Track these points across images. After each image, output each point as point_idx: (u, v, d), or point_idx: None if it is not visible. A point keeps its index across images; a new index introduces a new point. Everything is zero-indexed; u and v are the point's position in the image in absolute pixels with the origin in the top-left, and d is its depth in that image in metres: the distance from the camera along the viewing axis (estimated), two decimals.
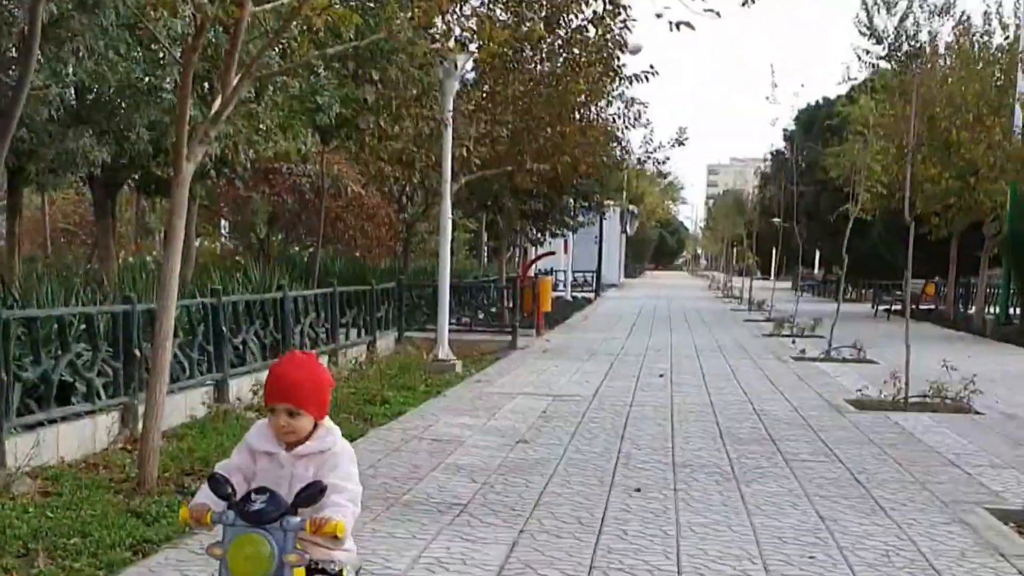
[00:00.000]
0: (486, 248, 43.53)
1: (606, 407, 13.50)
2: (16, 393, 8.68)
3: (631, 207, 70.22)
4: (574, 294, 46.12)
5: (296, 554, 3.65)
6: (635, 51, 23.58)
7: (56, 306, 10.80)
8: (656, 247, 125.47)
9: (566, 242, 42.54)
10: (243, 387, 12.62)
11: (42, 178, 15.50)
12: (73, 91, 12.26)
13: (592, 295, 49.03)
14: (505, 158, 22.32)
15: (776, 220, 40.04)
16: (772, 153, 59.77)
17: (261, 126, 14.44)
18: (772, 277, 48.27)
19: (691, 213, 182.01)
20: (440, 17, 10.67)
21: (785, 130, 61.90)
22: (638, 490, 8.67)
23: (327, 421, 3.94)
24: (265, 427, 3.98)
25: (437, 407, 13.12)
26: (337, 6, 9.93)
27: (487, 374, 17.02)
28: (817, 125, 54.73)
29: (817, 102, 60.59)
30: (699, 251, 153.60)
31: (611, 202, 37.04)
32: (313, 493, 3.65)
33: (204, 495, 3.83)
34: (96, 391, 9.78)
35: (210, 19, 8.28)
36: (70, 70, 11.74)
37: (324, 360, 15.96)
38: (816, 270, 71.03)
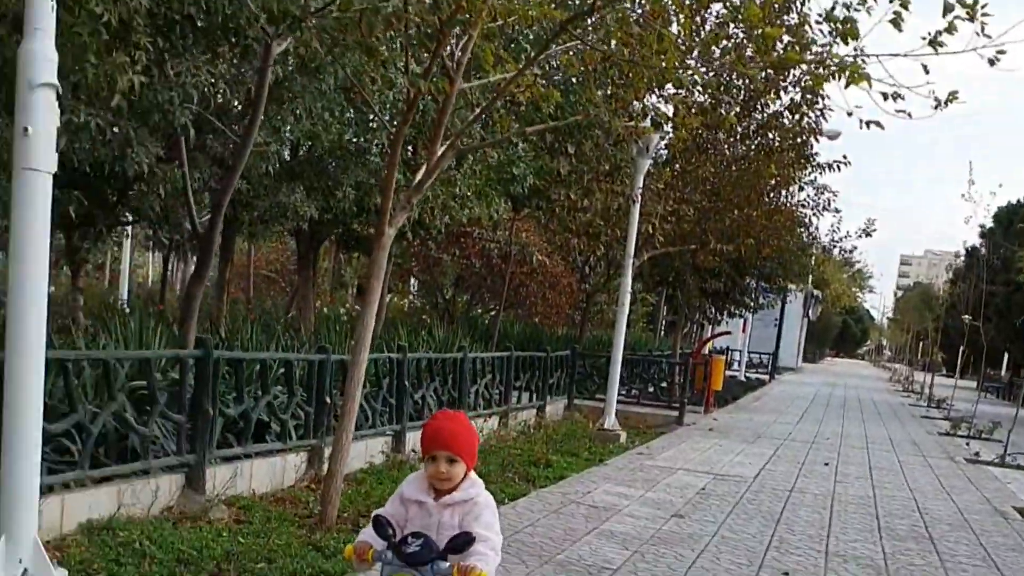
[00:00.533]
0: (663, 322, 43.80)
1: (766, 490, 13.75)
2: (218, 428, 9.59)
3: (815, 292, 69.35)
4: (748, 375, 45.86)
5: None
6: (833, 136, 23.75)
7: (260, 351, 11.77)
8: (839, 334, 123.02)
9: (745, 322, 42.51)
10: (419, 439, 13.30)
11: (254, 228, 16.59)
12: (289, 148, 13.18)
13: (767, 377, 48.62)
14: (690, 236, 22.71)
15: (966, 317, 39.29)
16: (967, 249, 58.38)
17: (458, 192, 15.28)
18: (956, 375, 47.04)
19: (879, 302, 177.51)
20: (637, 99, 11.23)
21: (982, 226, 60.50)
22: (786, 574, 8.99)
23: (472, 474, 4.52)
24: (417, 479, 4.56)
25: (598, 475, 13.61)
26: (541, 83, 10.55)
27: (650, 447, 17.39)
28: (1016, 224, 53.36)
29: (1018, 201, 59.10)
30: (883, 341, 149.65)
31: (793, 286, 36.90)
32: (462, 542, 4.20)
33: (368, 535, 4.43)
34: (288, 432, 10.65)
35: (422, 93, 8.90)
36: (288, 129, 12.72)
37: (495, 421, 16.66)
38: (1003, 371, 68.67)
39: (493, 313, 26.23)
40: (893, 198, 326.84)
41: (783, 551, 9.94)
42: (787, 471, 15.92)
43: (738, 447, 18.58)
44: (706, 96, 21.09)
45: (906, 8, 7.78)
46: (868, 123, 10.49)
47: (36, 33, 5.25)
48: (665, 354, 29.28)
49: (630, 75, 9.30)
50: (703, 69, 10.55)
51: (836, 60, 8.55)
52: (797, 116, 21.41)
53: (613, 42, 8.66)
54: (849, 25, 8.02)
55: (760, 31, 8.52)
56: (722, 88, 21.44)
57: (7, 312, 5.50)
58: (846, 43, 8.28)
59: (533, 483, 12.40)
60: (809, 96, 20.98)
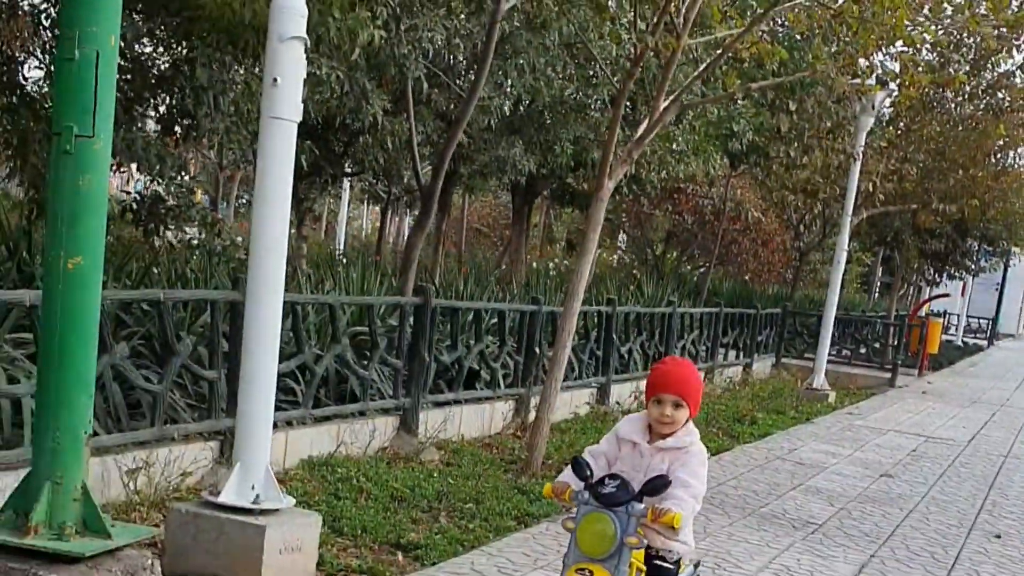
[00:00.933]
0: (878, 283, 42.66)
1: (980, 454, 13.42)
2: (432, 373, 9.99)
3: None
4: (965, 339, 44.25)
5: (635, 537, 4.34)
6: None
7: (475, 301, 12.14)
8: None
9: (964, 285, 41.00)
10: (623, 392, 13.54)
11: (473, 181, 16.97)
12: (510, 103, 13.43)
13: (985, 343, 46.83)
14: (911, 196, 22.14)
15: None
16: None
17: (675, 147, 15.29)
18: None
19: None
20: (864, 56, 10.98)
21: None
22: (998, 536, 8.83)
23: (691, 423, 4.64)
24: (636, 419, 4.71)
25: (804, 433, 13.53)
26: (766, 39, 10.46)
27: (860, 408, 17.14)
28: None
29: None
30: None
31: (1018, 249, 35.38)
32: (658, 485, 4.32)
33: (567, 475, 4.61)
34: (498, 380, 10.99)
35: (649, 48, 8.92)
36: (510, 83, 12.96)
37: (701, 375, 16.68)
38: None
39: (703, 270, 26.11)
40: None
41: (995, 515, 9.77)
42: (1003, 437, 15.48)
43: (952, 411, 18.12)
44: (935, 54, 20.45)
45: None
46: None
47: None
48: (879, 315, 28.59)
49: (858, 32, 9.14)
50: (934, 27, 10.27)
51: None
52: None
53: None
54: None
55: None
56: (952, 46, 20.72)
57: (250, 254, 5.90)
58: None
59: (737, 439, 12.43)
60: None
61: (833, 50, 10.61)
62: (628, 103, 14.27)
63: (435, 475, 8.60)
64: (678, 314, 15.58)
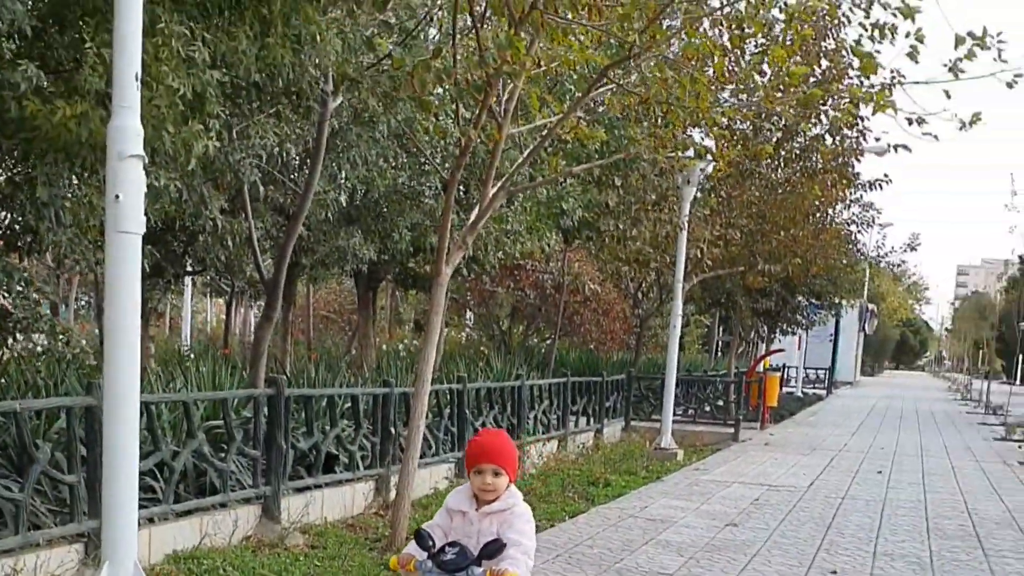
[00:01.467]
0: (719, 343, 44.06)
1: (819, 498, 14.15)
2: (290, 460, 10.22)
3: (870, 306, 69.07)
4: (805, 390, 45.91)
5: None
6: (880, 153, 24.04)
7: (327, 387, 12.41)
8: (897, 346, 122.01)
9: (800, 339, 42.61)
10: None
11: (315, 271, 17.28)
12: (346, 195, 13.81)
13: (824, 392, 48.64)
14: (738, 259, 23.10)
15: (1023, 324, 39.21)
16: (1020, 257, 58.12)
17: (510, 228, 15.86)
18: (1014, 380, 46.79)
19: (936, 313, 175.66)
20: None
21: None
22: (834, 573, 9.45)
23: (512, 487, 5.07)
24: (462, 491, 5.14)
25: (655, 491, 14.09)
26: (584, 121, 11.11)
27: (706, 463, 17.83)
28: None
29: None
30: (943, 352, 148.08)
31: (844, 302, 37.04)
32: (493, 549, 4.78)
33: (411, 547, 5.03)
34: (356, 462, 11.26)
35: (473, 142, 9.48)
36: (344, 176, 13.36)
37: (554, 444, 17.17)
38: None
39: (549, 341, 26.75)
40: (947, 208, 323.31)
41: (833, 552, 10.41)
42: (840, 480, 16.30)
43: (793, 459, 18.95)
44: (747, 124, 21.57)
45: (921, 42, 8.32)
46: (896, 147, 10.96)
47: (123, 111, 5.88)
48: (721, 374, 29.63)
49: (667, 115, 9.82)
50: (737, 104, 11.08)
51: (860, 92, 9.10)
52: (838, 138, 21.75)
53: (650, 85, 9.17)
54: (868, 60, 8.54)
55: (786, 70, 9.08)
56: (763, 116, 21.89)
57: (105, 360, 6.13)
58: (867, 77, 8.82)
59: (592, 501, 12.90)
60: (851, 117, 21.30)
61: (646, 130, 11.30)
62: (461, 188, 14.83)
63: (301, 559, 8.83)
64: (527, 386, 16.04)
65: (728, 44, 9.71)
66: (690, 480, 15.44)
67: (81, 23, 7.20)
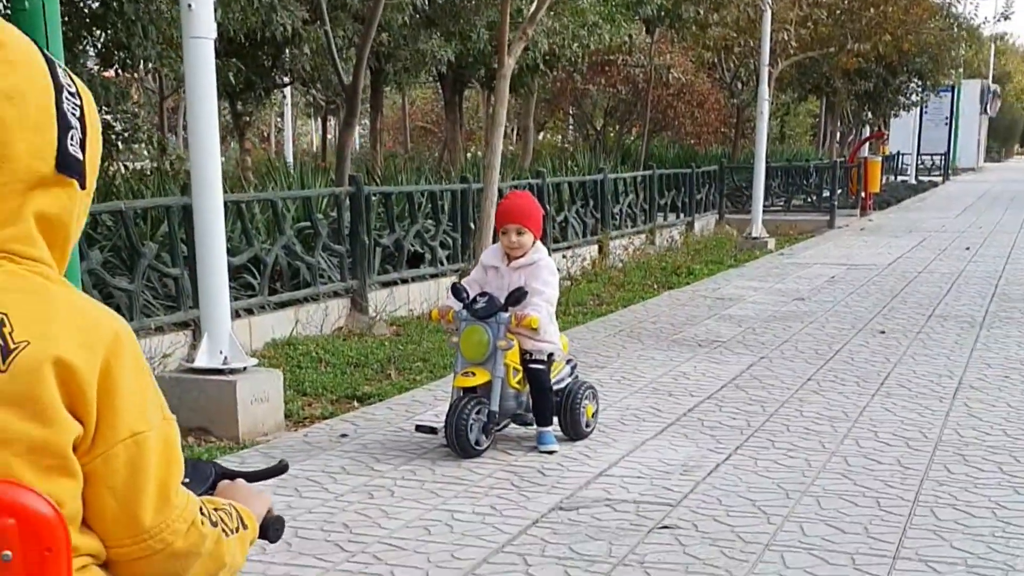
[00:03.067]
0: (827, 133, 43.65)
1: (896, 273, 14.58)
2: (377, 257, 11.04)
3: (993, 86, 66.99)
4: (921, 178, 45.26)
5: (504, 340, 5.65)
6: None
7: (406, 185, 13.16)
8: None
9: (914, 123, 41.87)
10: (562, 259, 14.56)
11: (399, 77, 17.84)
12: None
13: (940, 179, 47.86)
14: (828, 39, 22.92)
15: None
16: None
17: (585, 21, 16.10)
18: None
19: None
20: None
21: None
22: (883, 332, 10.03)
23: (538, 243, 5.77)
24: (495, 249, 5.90)
25: (733, 274, 14.69)
26: None
27: (794, 249, 18.29)
28: None
29: None
30: None
31: (948, 81, 36.24)
32: (517, 296, 5.59)
33: (449, 300, 5.88)
34: (440, 258, 12.04)
35: None
36: None
37: (642, 238, 17.76)
38: None
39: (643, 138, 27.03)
40: None
41: (889, 317, 10.95)
42: (924, 257, 16.65)
43: (884, 241, 19.28)
44: None
45: None
46: None
47: None
48: (822, 161, 29.64)
49: None
50: None
51: None
52: None
53: None
54: None
55: None
56: None
57: (190, 159, 6.90)
58: None
59: (671, 288, 13.53)
60: None
61: None
62: None
63: (386, 344, 9.70)
64: (610, 179, 16.53)
65: None
66: (772, 263, 15.95)
67: None
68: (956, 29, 29.50)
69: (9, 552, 1.36)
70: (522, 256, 5.76)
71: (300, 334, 9.77)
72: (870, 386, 7.77)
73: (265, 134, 31.22)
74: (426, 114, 35.57)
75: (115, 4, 9.02)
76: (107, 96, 9.59)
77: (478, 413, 5.75)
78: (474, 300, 5.73)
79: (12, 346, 1.39)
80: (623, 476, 5.62)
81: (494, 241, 6.66)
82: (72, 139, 1.48)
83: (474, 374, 5.71)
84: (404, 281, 11.47)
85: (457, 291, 5.80)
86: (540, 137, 26.76)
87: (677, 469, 5.74)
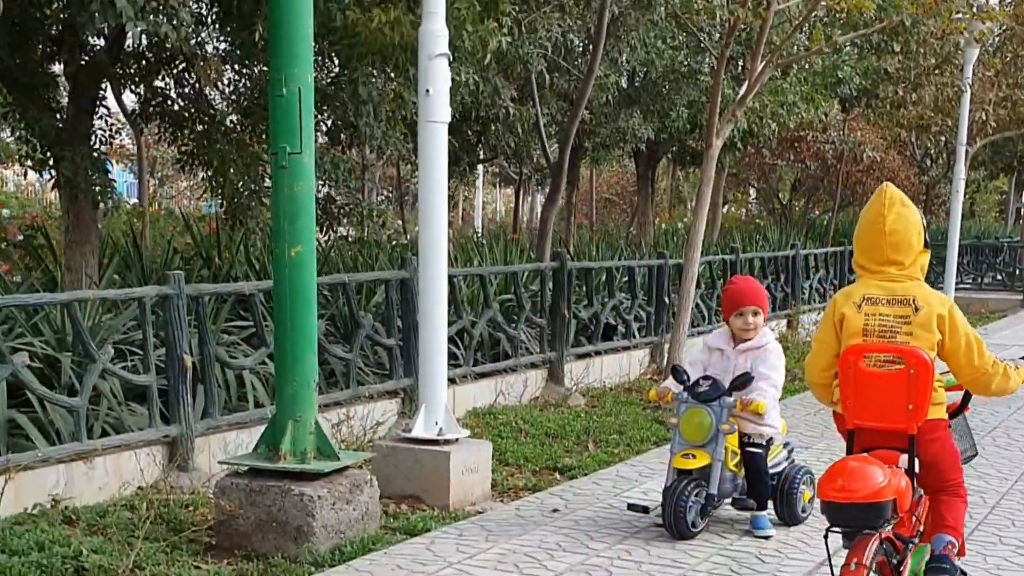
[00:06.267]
0: (1016, 210, 42.35)
1: None
2: (572, 330, 11.31)
3: None
4: None
5: (728, 424, 5.73)
6: None
7: (606, 260, 13.41)
8: None
9: None
10: None
11: (596, 153, 18.24)
12: (626, 77, 14.55)
13: None
14: None
15: None
16: None
17: (786, 100, 16.21)
18: None
19: None
20: None
21: None
22: None
23: (766, 327, 5.90)
24: (721, 332, 6.02)
25: None
26: None
27: (987, 328, 17.85)
28: None
29: None
30: None
31: None
32: (744, 380, 5.69)
33: (668, 382, 6.00)
34: (633, 331, 12.25)
35: (740, 20, 10.25)
36: (624, 59, 14.12)
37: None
38: None
39: (830, 213, 26.78)
40: None
41: None
42: None
43: None
44: None
45: None
46: None
47: (432, 16, 6.98)
48: (1012, 240, 28.83)
49: None
50: None
51: None
52: None
53: None
54: None
55: None
56: None
57: (420, 236, 7.28)
58: None
59: None
60: None
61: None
62: (735, 63, 15.29)
63: (581, 415, 9.92)
64: (801, 255, 16.51)
65: None
66: None
67: None
68: None
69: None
70: (752, 338, 5.89)
71: (499, 403, 10.07)
72: None
73: (453, 202, 32.00)
74: (611, 186, 35.90)
75: (345, 86, 9.56)
76: (336, 172, 10.18)
77: (697, 495, 5.85)
78: (696, 383, 5.85)
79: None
80: None
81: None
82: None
83: (694, 456, 5.83)
84: (598, 353, 11.71)
85: (677, 372, 5.93)
86: (725, 210, 26.76)
87: None
